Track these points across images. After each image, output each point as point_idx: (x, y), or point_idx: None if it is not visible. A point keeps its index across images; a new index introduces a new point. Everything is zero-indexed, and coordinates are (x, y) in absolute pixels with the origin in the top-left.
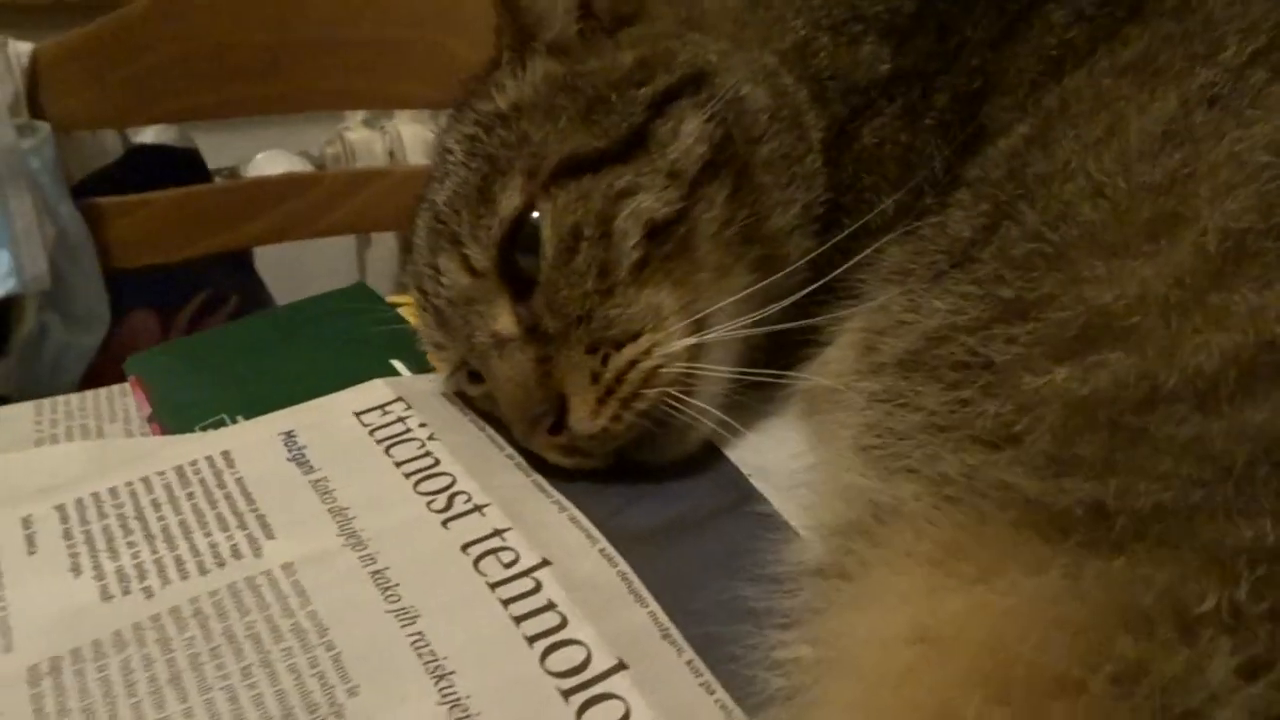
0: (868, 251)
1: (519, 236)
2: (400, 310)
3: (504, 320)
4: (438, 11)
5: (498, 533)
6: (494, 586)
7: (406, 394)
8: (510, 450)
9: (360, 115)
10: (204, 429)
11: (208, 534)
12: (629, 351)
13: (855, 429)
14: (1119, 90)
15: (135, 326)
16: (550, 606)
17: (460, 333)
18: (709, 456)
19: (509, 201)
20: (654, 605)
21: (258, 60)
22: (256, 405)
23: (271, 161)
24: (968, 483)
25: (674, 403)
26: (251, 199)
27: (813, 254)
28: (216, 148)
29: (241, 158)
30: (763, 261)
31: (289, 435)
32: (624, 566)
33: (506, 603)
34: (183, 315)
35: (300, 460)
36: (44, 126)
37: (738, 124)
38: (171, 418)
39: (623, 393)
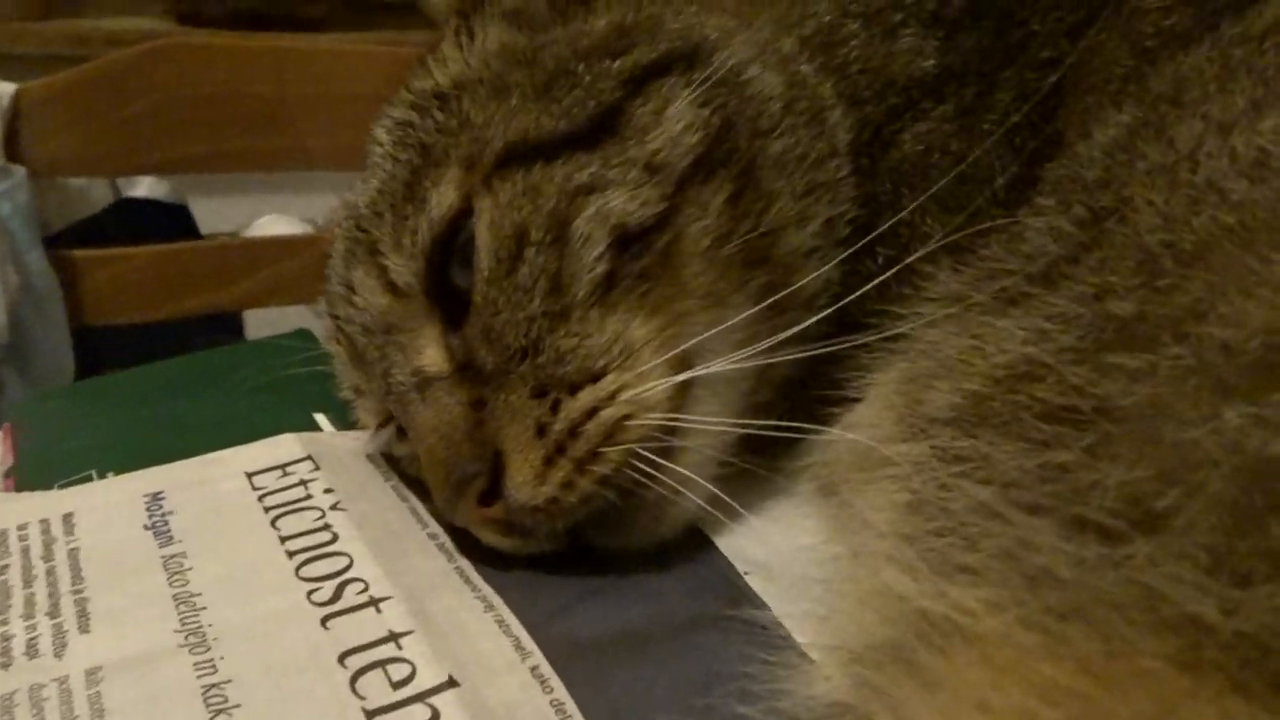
0: (888, 273)
1: (454, 245)
2: None
3: (431, 353)
4: None
5: (394, 637)
6: (372, 715)
7: (318, 452)
8: (434, 527)
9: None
10: (65, 486)
11: (3, 622)
12: (587, 396)
13: (896, 511)
14: (1261, 58)
15: None
16: None
17: (377, 369)
18: (691, 544)
19: (442, 199)
20: None
21: (254, 112)
22: (145, 459)
23: (273, 226)
24: (1085, 584)
25: (647, 467)
26: (240, 259)
27: (835, 285)
28: (217, 212)
29: (242, 224)
30: (768, 290)
31: (155, 497)
32: (560, 693)
33: None
34: None
35: (159, 529)
36: (19, 170)
37: (741, 113)
38: (35, 472)
39: (577, 451)
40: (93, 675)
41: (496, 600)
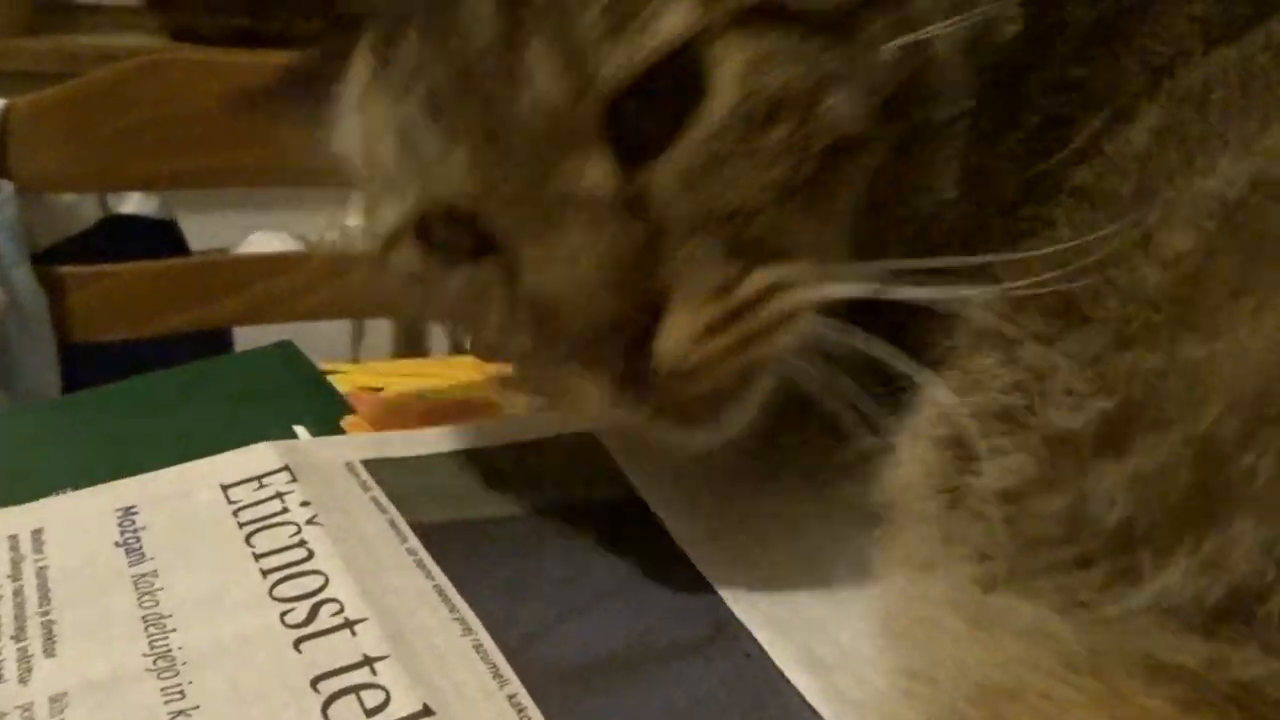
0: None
1: (661, 74)
2: (329, 379)
3: (596, 174)
4: None
5: (368, 662)
6: None
7: (295, 462)
8: (413, 542)
9: (364, 203)
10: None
11: None
12: (783, 270)
13: (908, 564)
14: None
15: None
16: None
17: (515, 165)
18: (676, 561)
19: (673, 21)
20: None
21: (245, 128)
22: (123, 475)
23: (265, 243)
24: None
25: (775, 365)
26: (228, 276)
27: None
28: (207, 229)
29: (233, 240)
30: (859, 250)
31: (128, 511)
32: None
33: None
34: None
35: (131, 546)
36: (6, 186)
37: (922, 71)
38: (9, 489)
39: (749, 327)
40: (57, 702)
41: (474, 622)
